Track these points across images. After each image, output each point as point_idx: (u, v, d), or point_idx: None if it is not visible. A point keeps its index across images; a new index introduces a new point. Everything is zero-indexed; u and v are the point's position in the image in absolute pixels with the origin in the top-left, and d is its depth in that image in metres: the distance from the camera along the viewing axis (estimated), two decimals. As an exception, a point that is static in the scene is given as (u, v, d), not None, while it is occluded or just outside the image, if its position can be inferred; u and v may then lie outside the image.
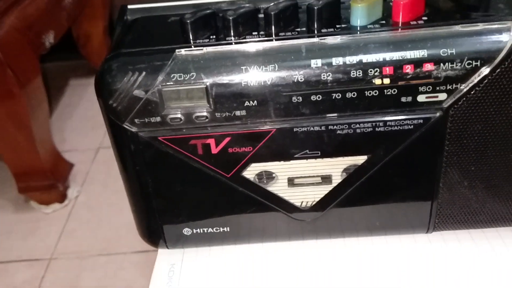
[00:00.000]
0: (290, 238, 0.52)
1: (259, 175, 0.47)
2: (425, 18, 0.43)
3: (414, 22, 0.42)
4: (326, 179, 0.47)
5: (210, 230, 0.50)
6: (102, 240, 1.08)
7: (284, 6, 0.43)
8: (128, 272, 1.01)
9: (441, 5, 0.45)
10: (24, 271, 1.10)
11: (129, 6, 0.53)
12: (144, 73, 0.41)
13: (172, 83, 0.41)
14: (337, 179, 0.47)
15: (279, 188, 0.48)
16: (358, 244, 0.52)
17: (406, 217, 0.49)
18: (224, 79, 0.41)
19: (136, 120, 0.43)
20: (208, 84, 0.41)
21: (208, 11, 0.44)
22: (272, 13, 0.42)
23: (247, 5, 0.45)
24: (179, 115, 0.43)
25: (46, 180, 1.23)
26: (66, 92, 1.68)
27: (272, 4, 0.43)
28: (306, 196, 0.48)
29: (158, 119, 0.43)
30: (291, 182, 0.47)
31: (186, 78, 0.41)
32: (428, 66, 0.40)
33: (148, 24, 0.49)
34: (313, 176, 0.47)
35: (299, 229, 0.51)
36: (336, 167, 0.46)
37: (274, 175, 0.47)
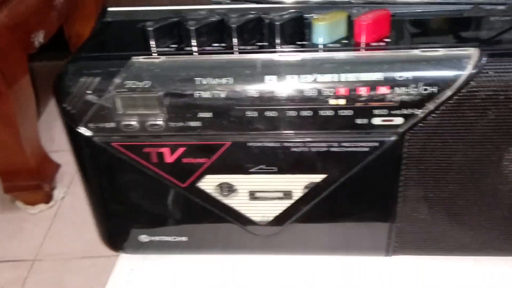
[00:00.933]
0: (250, 251, 0.52)
1: (221, 186, 0.46)
2: (388, 40, 0.42)
3: (376, 44, 0.42)
4: (287, 194, 0.47)
5: (167, 238, 0.50)
6: (87, 243, 1.08)
7: (246, 19, 0.43)
8: (111, 276, 1.00)
9: (407, 27, 0.45)
10: (7, 271, 1.11)
11: (110, 8, 0.53)
12: (98, 78, 0.41)
13: (125, 90, 0.41)
14: (297, 195, 0.47)
15: (239, 201, 0.47)
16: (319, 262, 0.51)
17: (365, 238, 0.49)
18: (178, 89, 0.41)
19: (90, 125, 0.43)
20: (161, 93, 0.41)
21: (173, 20, 0.44)
22: (234, 26, 0.42)
23: (215, 16, 0.45)
24: (133, 122, 0.43)
25: (32, 180, 1.22)
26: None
27: (234, 16, 0.43)
28: (266, 210, 0.48)
29: (112, 125, 0.43)
30: (252, 195, 0.47)
31: (140, 86, 0.41)
32: (383, 90, 0.40)
33: (118, 29, 0.49)
34: (275, 191, 0.47)
35: (259, 243, 0.50)
36: (297, 183, 0.46)
37: (234, 187, 0.46)
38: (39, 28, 1.16)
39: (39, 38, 1.14)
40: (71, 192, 1.31)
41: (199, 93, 0.41)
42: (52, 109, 1.59)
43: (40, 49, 1.18)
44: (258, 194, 0.47)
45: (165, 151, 0.44)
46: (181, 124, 0.42)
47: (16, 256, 1.15)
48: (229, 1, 0.48)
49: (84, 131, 0.43)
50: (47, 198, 1.29)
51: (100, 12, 0.54)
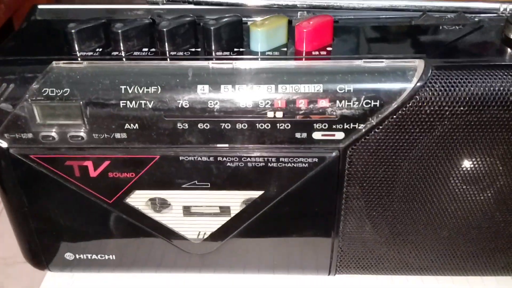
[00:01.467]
0: (187, 270, 0.48)
1: (152, 201, 0.43)
2: (330, 48, 0.39)
3: (317, 53, 0.39)
4: (225, 210, 0.44)
5: (94, 256, 0.46)
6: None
7: (179, 22, 0.39)
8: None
9: (352, 35, 0.42)
10: None
11: (40, 6, 0.49)
12: (12, 85, 0.37)
13: (43, 98, 0.37)
14: (234, 212, 0.44)
15: (172, 217, 0.44)
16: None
17: (307, 257, 0.46)
18: (101, 98, 0.37)
19: (5, 135, 0.39)
20: (83, 102, 0.37)
21: (99, 21, 0.40)
22: (164, 29, 0.39)
23: (145, 18, 0.41)
24: (52, 133, 0.39)
25: None
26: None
27: (165, 20, 0.40)
28: (202, 227, 0.45)
29: (30, 135, 0.39)
30: (186, 211, 0.44)
31: (59, 94, 0.37)
32: (323, 103, 0.37)
33: (43, 29, 0.45)
34: (210, 206, 0.44)
35: (195, 261, 0.47)
36: (234, 199, 0.43)
37: (168, 202, 0.43)
38: (-16, 21, 1.09)
39: (-16, 32, 1.08)
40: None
41: (123, 103, 0.37)
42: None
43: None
44: (192, 210, 0.44)
45: (89, 164, 0.40)
46: (105, 135, 0.39)
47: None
48: (165, 1, 0.45)
49: (-2, 142, 0.39)
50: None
51: (30, 9, 0.49)
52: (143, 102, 0.37)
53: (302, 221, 0.43)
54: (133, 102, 0.37)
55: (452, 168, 0.40)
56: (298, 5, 0.45)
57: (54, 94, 0.37)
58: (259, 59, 0.39)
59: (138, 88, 0.37)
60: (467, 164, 0.40)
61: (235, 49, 0.40)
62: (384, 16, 0.45)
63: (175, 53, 0.39)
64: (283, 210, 0.42)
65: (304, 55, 0.39)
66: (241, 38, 0.41)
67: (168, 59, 0.39)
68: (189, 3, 0.47)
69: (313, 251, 0.45)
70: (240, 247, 0.46)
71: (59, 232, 0.45)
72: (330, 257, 0.45)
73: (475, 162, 0.40)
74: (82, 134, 0.39)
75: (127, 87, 0.37)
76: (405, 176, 0.40)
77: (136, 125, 0.38)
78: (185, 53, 0.39)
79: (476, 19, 0.43)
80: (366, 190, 0.41)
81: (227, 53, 0.39)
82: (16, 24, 1.53)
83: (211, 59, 0.39)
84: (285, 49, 0.40)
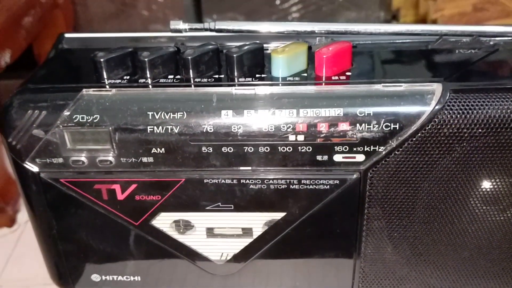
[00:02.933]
0: (210, 291, 0.49)
1: (176, 223, 0.44)
2: (349, 73, 0.41)
3: (336, 78, 0.40)
4: (247, 232, 0.45)
5: (120, 278, 0.47)
6: (49, 269, 1.05)
7: (203, 50, 0.41)
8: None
9: (370, 60, 0.43)
10: (-36, 299, 1.06)
11: (66, 35, 0.51)
12: (45, 112, 0.39)
13: (74, 124, 0.39)
14: (257, 233, 0.44)
15: (196, 238, 0.45)
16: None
17: (328, 278, 0.47)
18: (129, 123, 0.39)
19: (37, 160, 0.40)
20: (112, 128, 0.39)
21: (126, 50, 0.42)
22: (189, 57, 0.40)
23: (170, 47, 0.43)
24: (82, 158, 0.40)
25: None
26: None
27: (190, 48, 0.41)
28: (225, 248, 0.46)
29: (60, 160, 0.40)
30: (210, 232, 0.45)
31: (89, 120, 0.39)
32: (344, 126, 0.38)
33: (71, 58, 0.47)
34: (233, 228, 0.44)
35: (220, 282, 0.48)
36: (256, 221, 0.44)
37: (192, 224, 0.44)
38: (6, 47, 1.12)
39: (6, 58, 1.11)
40: (36, 216, 1.27)
41: (151, 128, 0.39)
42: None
43: (7, 67, 1.15)
44: (216, 231, 0.45)
45: (117, 188, 0.41)
46: (132, 160, 0.40)
47: (-25, 282, 1.11)
48: (187, 29, 0.47)
49: (30, 166, 0.41)
50: (10, 221, 1.24)
51: (57, 38, 0.51)
52: (169, 127, 0.39)
53: (324, 242, 0.44)
54: (160, 127, 0.39)
55: (471, 188, 0.41)
56: (316, 31, 0.46)
57: (85, 120, 0.39)
58: (280, 84, 0.40)
59: (165, 114, 0.39)
60: (486, 184, 0.40)
61: (257, 75, 0.41)
62: (400, 41, 0.46)
63: (199, 79, 0.41)
64: (305, 231, 0.43)
65: (324, 80, 0.40)
66: (262, 65, 0.42)
67: (192, 85, 0.40)
68: (211, 30, 0.48)
69: (335, 272, 0.46)
70: (262, 268, 0.46)
71: (86, 254, 0.46)
72: (352, 277, 0.46)
73: (494, 183, 0.40)
74: (111, 158, 0.40)
75: (154, 113, 0.39)
76: (426, 197, 0.41)
77: (163, 149, 0.39)
78: (209, 79, 0.41)
79: (491, 43, 0.44)
80: (387, 211, 0.42)
81: (249, 79, 0.41)
82: (35, 49, 1.57)
83: (234, 85, 0.40)
84: (305, 74, 0.41)
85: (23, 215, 1.26)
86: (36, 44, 1.49)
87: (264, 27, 0.45)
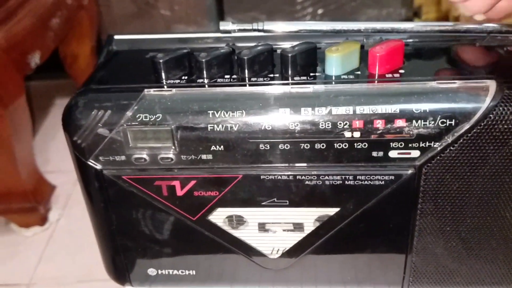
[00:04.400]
0: (260, 285, 0.50)
1: (229, 218, 0.45)
2: (402, 71, 0.42)
3: (390, 75, 0.41)
4: (298, 227, 0.46)
5: (175, 272, 0.49)
6: (82, 266, 1.05)
7: (258, 51, 0.42)
8: (106, 300, 0.97)
9: (421, 58, 0.44)
10: (1, 296, 1.09)
11: (116, 37, 0.53)
12: (109, 111, 0.40)
13: (137, 123, 0.40)
14: (309, 228, 0.45)
15: (248, 233, 0.46)
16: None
17: (380, 272, 0.47)
18: (190, 122, 0.40)
19: (100, 158, 0.42)
20: (174, 126, 0.40)
21: (183, 51, 0.43)
22: (245, 58, 0.42)
23: (224, 46, 0.44)
24: (144, 155, 0.42)
25: (27, 202, 1.19)
26: (51, 112, 1.65)
27: (245, 48, 0.42)
28: (277, 243, 0.47)
29: (123, 158, 0.42)
30: (262, 227, 0.46)
31: (151, 119, 0.40)
32: (400, 123, 0.39)
33: (126, 59, 0.49)
34: (285, 223, 0.46)
35: (269, 277, 0.49)
36: (308, 216, 0.45)
37: (244, 219, 0.45)
38: (35, 49, 1.14)
39: (36, 59, 1.13)
40: (66, 214, 1.28)
41: (211, 126, 0.40)
42: (47, 129, 1.56)
43: (36, 69, 1.17)
44: (268, 227, 0.46)
45: (176, 184, 0.43)
46: (192, 157, 0.41)
47: (10, 280, 1.13)
48: (236, 30, 0.48)
49: (94, 164, 0.42)
50: (42, 220, 1.26)
51: (106, 40, 0.53)
52: (229, 125, 0.40)
53: (376, 237, 0.45)
54: (220, 125, 0.40)
55: (525, 183, 0.41)
56: (362, 30, 0.47)
57: (148, 119, 0.40)
58: (334, 82, 0.41)
59: (225, 112, 0.40)
60: (539, 179, 0.41)
61: (311, 74, 0.42)
62: (447, 39, 0.47)
63: (255, 79, 0.42)
64: (358, 226, 0.44)
65: (377, 77, 0.41)
66: (316, 64, 0.43)
67: (248, 85, 0.42)
68: (259, 31, 0.49)
69: (386, 267, 0.47)
70: (313, 263, 0.47)
71: (143, 249, 0.47)
72: (403, 272, 0.47)
73: (547, 177, 0.41)
74: (172, 155, 0.41)
75: (215, 112, 0.40)
76: (478, 192, 0.42)
77: (222, 146, 0.41)
78: (264, 79, 0.42)
79: (542, 39, 0.44)
80: (440, 206, 0.42)
81: (304, 78, 0.42)
82: (61, 51, 1.60)
83: (289, 83, 0.41)
84: (358, 72, 0.42)
85: (54, 213, 1.29)
86: (62, 46, 1.52)
87: (310, 26, 0.45)
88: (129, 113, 0.40)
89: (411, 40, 0.46)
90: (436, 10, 1.34)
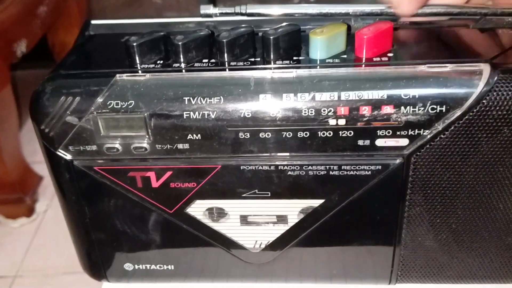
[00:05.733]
0: (243, 280, 0.48)
1: (210, 211, 0.43)
2: (390, 54, 0.39)
3: (378, 59, 0.39)
4: (282, 219, 0.43)
5: (153, 267, 0.46)
6: (69, 258, 1.03)
7: (238, 33, 0.40)
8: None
9: (411, 41, 0.42)
10: (-13, 288, 1.07)
11: (93, 21, 0.50)
12: (78, 98, 0.38)
13: (108, 110, 0.38)
14: (293, 220, 0.43)
15: (230, 226, 0.44)
16: (315, 291, 0.48)
17: (367, 266, 0.45)
18: (165, 109, 0.38)
19: (70, 148, 0.40)
20: (147, 114, 0.38)
21: (159, 34, 0.41)
22: (224, 40, 0.39)
23: (204, 30, 0.42)
24: (116, 145, 0.39)
25: (14, 193, 1.17)
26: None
27: (224, 30, 0.40)
28: (260, 236, 0.45)
29: (94, 147, 0.39)
30: (244, 220, 0.44)
31: (124, 106, 0.38)
32: (388, 109, 0.36)
33: (100, 44, 0.46)
34: (268, 215, 0.43)
35: (251, 271, 0.47)
36: (292, 208, 0.43)
37: (225, 212, 0.43)
38: (22, 37, 1.11)
39: (22, 47, 1.10)
40: (54, 205, 1.26)
41: (187, 114, 0.38)
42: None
43: (22, 57, 1.15)
44: (250, 219, 0.44)
45: (151, 175, 0.40)
46: (168, 146, 0.39)
47: (-4, 271, 1.11)
48: (218, 14, 0.45)
49: (63, 154, 0.40)
50: (29, 211, 1.24)
51: (83, 24, 0.50)
52: (206, 112, 0.37)
53: (363, 229, 0.43)
54: (197, 113, 0.38)
55: (519, 173, 0.39)
56: (351, 13, 0.45)
57: (119, 106, 0.38)
58: (319, 66, 0.39)
59: (201, 99, 0.37)
60: (534, 168, 0.39)
61: (294, 58, 0.40)
62: (440, 21, 0.45)
63: (234, 63, 0.39)
64: (344, 218, 0.42)
65: (364, 61, 0.39)
66: (299, 47, 0.40)
67: (227, 69, 0.39)
68: (242, 15, 0.47)
69: (374, 260, 0.45)
70: (298, 256, 0.45)
71: (119, 243, 0.45)
72: (391, 266, 0.45)
73: (542, 167, 0.39)
74: (146, 145, 0.39)
75: (191, 98, 0.37)
76: (470, 182, 0.40)
77: (199, 135, 0.38)
78: (244, 63, 0.39)
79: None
80: (430, 197, 0.40)
81: (287, 61, 0.39)
82: (49, 39, 1.56)
83: (271, 68, 0.39)
84: (345, 56, 0.39)
85: (42, 204, 1.26)
86: (50, 34, 1.49)
87: (296, 9, 0.43)
88: (99, 100, 0.38)
89: (401, 22, 0.44)
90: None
